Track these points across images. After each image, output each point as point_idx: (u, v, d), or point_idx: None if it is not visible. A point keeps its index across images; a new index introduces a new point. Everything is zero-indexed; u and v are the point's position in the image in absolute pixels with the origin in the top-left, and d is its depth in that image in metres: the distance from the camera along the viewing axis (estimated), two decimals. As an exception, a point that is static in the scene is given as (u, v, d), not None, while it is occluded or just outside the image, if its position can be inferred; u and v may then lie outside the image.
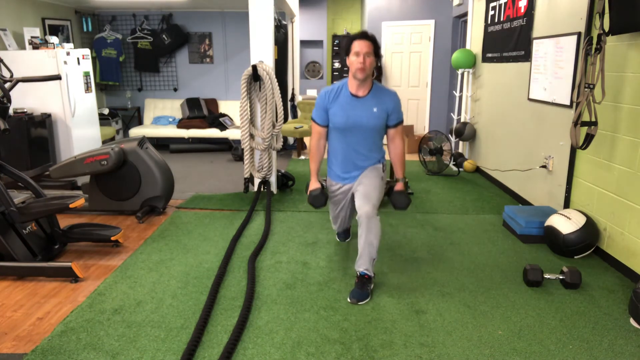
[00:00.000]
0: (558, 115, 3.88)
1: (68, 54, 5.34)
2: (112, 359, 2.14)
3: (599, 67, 2.96)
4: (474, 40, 5.93)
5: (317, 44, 9.59)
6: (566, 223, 3.26)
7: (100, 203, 4.08)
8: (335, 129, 2.89)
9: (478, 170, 5.82)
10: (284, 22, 5.35)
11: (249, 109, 4.52)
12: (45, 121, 5.19)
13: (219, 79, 7.43)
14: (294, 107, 7.53)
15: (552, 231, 3.34)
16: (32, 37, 5.33)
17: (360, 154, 2.90)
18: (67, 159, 3.95)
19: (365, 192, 2.78)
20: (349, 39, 2.71)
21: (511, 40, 4.79)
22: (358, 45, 2.65)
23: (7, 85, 3.25)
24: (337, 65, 9.82)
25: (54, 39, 5.32)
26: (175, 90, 7.49)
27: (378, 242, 2.72)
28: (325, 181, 3.18)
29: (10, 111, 4.72)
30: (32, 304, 2.64)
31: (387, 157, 2.91)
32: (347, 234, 3.58)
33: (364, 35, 2.67)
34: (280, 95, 4.47)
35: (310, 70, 9.75)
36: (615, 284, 2.91)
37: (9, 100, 3.21)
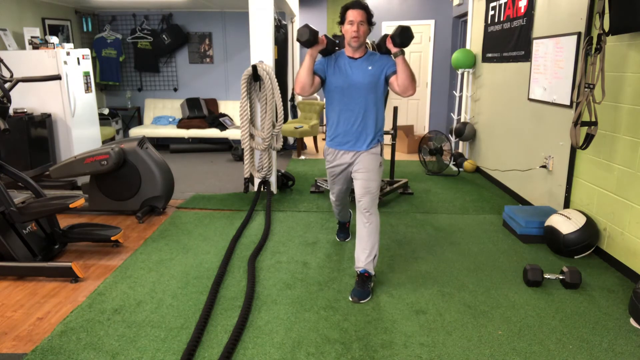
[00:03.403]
0: (558, 115, 3.88)
1: (68, 54, 5.34)
2: (112, 359, 2.14)
3: (599, 67, 2.96)
4: (474, 40, 5.93)
5: (317, 44, 9.59)
6: (566, 223, 3.26)
7: (100, 203, 4.08)
8: (334, 91, 2.87)
9: (478, 170, 5.82)
10: (284, 22, 5.35)
11: (249, 109, 4.52)
12: (45, 121, 5.19)
13: (219, 79, 7.43)
14: (294, 107, 7.53)
15: (552, 231, 3.34)
16: (32, 37, 5.33)
17: (358, 116, 2.84)
18: (67, 159, 3.95)
19: (364, 184, 2.78)
20: (344, 7, 2.77)
21: (511, 40, 4.79)
22: (352, 14, 2.71)
23: (7, 85, 3.25)
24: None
25: (54, 39, 5.32)
26: (175, 90, 7.49)
27: (377, 240, 2.74)
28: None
29: (10, 111, 4.74)
30: (32, 304, 2.64)
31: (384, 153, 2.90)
32: (347, 233, 3.58)
33: (356, 4, 2.73)
34: (280, 95, 4.47)
35: (310, 70, 9.73)
36: (615, 284, 2.91)
37: (9, 100, 3.21)
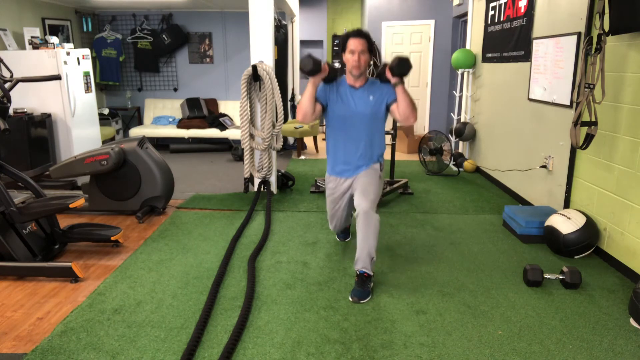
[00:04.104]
0: (558, 115, 3.88)
1: (68, 54, 5.34)
2: (112, 359, 2.14)
3: (599, 67, 2.96)
4: (474, 40, 5.93)
5: (317, 44, 9.59)
6: (566, 223, 3.26)
7: (100, 203, 4.08)
8: (335, 119, 2.91)
9: (478, 170, 5.82)
10: (284, 22, 5.35)
11: (249, 109, 4.52)
12: (45, 121, 5.19)
13: (219, 79, 7.43)
14: (294, 107, 7.53)
15: (552, 231, 3.34)
16: (32, 37, 5.33)
17: (360, 145, 2.89)
18: (67, 159, 3.95)
19: (363, 190, 2.80)
20: (345, 36, 2.81)
21: (511, 40, 4.79)
22: (353, 44, 2.75)
23: (7, 85, 3.25)
24: (337, 65, 9.82)
25: (54, 39, 5.32)
26: (175, 90, 7.49)
27: (376, 240, 2.73)
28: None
29: (10, 111, 4.74)
30: (32, 304, 2.64)
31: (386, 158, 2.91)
32: (347, 234, 3.58)
33: (358, 34, 2.77)
34: (280, 95, 4.47)
35: (310, 70, 9.73)
36: (615, 284, 2.91)
37: (9, 100, 3.21)
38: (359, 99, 2.86)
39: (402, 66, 2.69)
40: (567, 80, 3.72)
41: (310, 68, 2.72)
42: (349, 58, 2.77)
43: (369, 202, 2.72)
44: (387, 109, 2.88)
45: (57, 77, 3.58)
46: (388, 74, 2.75)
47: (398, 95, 2.76)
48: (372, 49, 2.83)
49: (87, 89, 5.73)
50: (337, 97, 2.88)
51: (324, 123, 3.01)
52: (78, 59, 5.55)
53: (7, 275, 2.94)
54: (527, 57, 4.46)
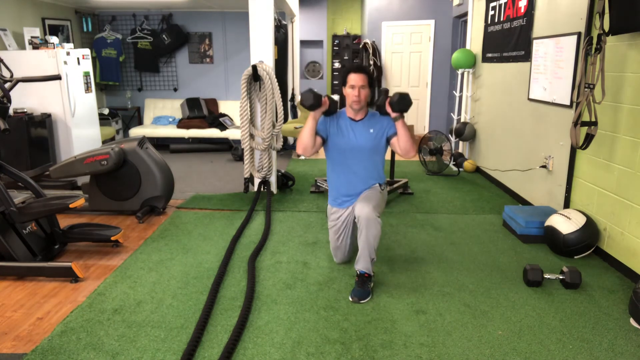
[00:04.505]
0: (558, 115, 3.88)
1: (68, 54, 5.34)
2: (112, 359, 2.14)
3: (599, 67, 2.96)
4: (474, 40, 5.93)
5: (317, 44, 9.59)
6: (566, 223, 3.26)
7: (100, 203, 4.08)
8: (335, 152, 2.96)
9: (478, 170, 5.82)
10: (284, 22, 5.35)
11: (249, 109, 4.52)
12: (45, 121, 5.19)
13: (219, 79, 7.43)
14: (294, 107, 7.53)
15: (552, 231, 3.34)
16: (32, 37, 5.33)
17: (360, 177, 2.94)
18: (67, 159, 3.95)
19: (365, 197, 2.83)
20: (345, 71, 2.87)
21: (511, 40, 4.79)
22: (354, 79, 2.81)
23: (7, 85, 3.25)
24: (337, 65, 9.83)
25: (54, 39, 5.32)
26: (175, 90, 7.49)
27: (377, 242, 2.73)
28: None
29: (10, 111, 4.74)
30: (32, 304, 2.64)
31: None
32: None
33: (358, 69, 2.83)
34: (280, 95, 4.47)
35: (310, 70, 9.74)
36: (615, 284, 2.91)
37: (9, 100, 3.21)
38: (359, 132, 2.90)
39: (402, 103, 2.76)
40: (567, 80, 3.72)
41: (311, 103, 2.77)
42: (349, 92, 2.82)
43: (370, 207, 2.72)
44: (387, 142, 2.93)
45: (57, 77, 3.58)
46: (388, 109, 2.81)
47: (398, 130, 2.82)
48: (372, 82, 2.89)
49: (87, 89, 5.73)
50: (337, 130, 2.92)
51: (324, 151, 3.05)
52: (78, 59, 5.55)
53: (7, 275, 2.94)
54: (527, 57, 4.46)
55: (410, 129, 7.62)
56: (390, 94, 2.86)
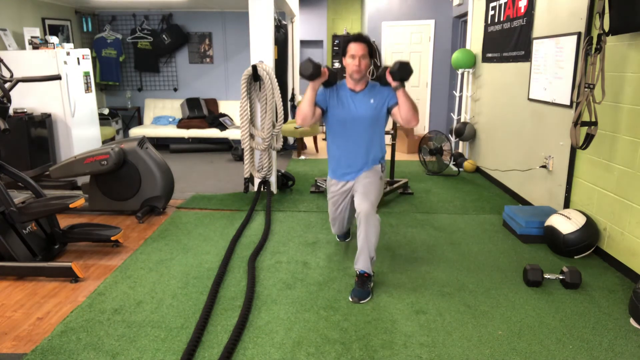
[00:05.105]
0: (558, 115, 3.88)
1: (68, 54, 5.34)
2: (112, 359, 2.14)
3: (599, 67, 2.96)
4: (474, 40, 5.93)
5: (317, 44, 9.60)
6: (566, 223, 3.26)
7: (100, 203, 4.08)
8: (335, 123, 2.91)
9: (478, 170, 5.82)
10: (284, 22, 5.35)
11: (249, 109, 4.52)
12: (45, 121, 5.19)
13: (219, 79, 7.43)
14: (294, 107, 7.53)
15: (552, 231, 3.34)
16: (32, 37, 5.33)
17: (361, 149, 2.90)
18: (67, 159, 3.95)
19: (364, 191, 2.80)
20: (345, 41, 2.80)
21: (511, 40, 4.79)
22: (354, 48, 2.75)
23: (7, 85, 3.25)
24: (337, 65, 9.82)
25: (54, 39, 5.32)
26: (175, 90, 7.48)
27: (377, 240, 2.74)
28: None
29: (10, 111, 4.73)
30: (32, 304, 2.64)
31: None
32: (347, 234, 3.58)
33: (358, 38, 2.77)
34: (280, 95, 4.47)
35: (310, 70, 9.73)
36: (615, 284, 2.91)
37: (9, 100, 3.21)
38: (360, 102, 2.86)
39: (403, 71, 2.70)
40: (567, 80, 3.72)
41: (310, 72, 2.72)
42: (350, 62, 2.77)
43: (369, 203, 2.72)
44: (388, 112, 2.88)
45: (57, 77, 3.58)
46: (389, 78, 2.75)
47: (399, 99, 2.76)
48: (372, 53, 2.83)
49: (87, 89, 5.73)
50: (337, 101, 2.88)
51: (324, 123, 3.02)
52: (78, 59, 5.55)
53: (7, 275, 2.94)
54: (527, 57, 4.46)
55: (410, 129, 7.61)
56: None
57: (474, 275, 3.02)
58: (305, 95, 2.79)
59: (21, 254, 3.02)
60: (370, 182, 2.85)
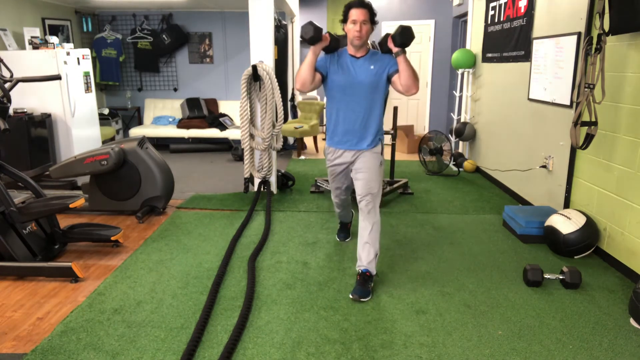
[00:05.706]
0: (558, 115, 3.88)
1: (68, 54, 5.34)
2: (112, 359, 2.14)
3: (599, 67, 2.96)
4: (474, 40, 5.93)
5: (317, 44, 9.59)
6: (566, 223, 3.26)
7: (100, 203, 4.08)
8: (335, 89, 2.86)
9: (478, 170, 5.82)
10: (284, 22, 5.35)
11: (249, 109, 4.52)
12: (45, 121, 5.19)
13: (219, 79, 7.43)
14: (294, 107, 7.53)
15: (552, 231, 3.34)
16: (32, 37, 5.33)
17: (359, 116, 2.84)
18: (67, 159, 3.95)
19: (364, 184, 2.79)
20: (347, 6, 2.75)
21: (511, 40, 4.79)
22: (355, 14, 2.69)
23: (7, 85, 3.25)
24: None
25: (54, 39, 5.32)
26: (175, 90, 7.48)
27: (378, 239, 2.75)
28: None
29: (10, 111, 4.73)
30: (32, 304, 2.64)
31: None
32: (347, 234, 3.59)
33: (360, 4, 2.71)
34: (280, 95, 4.47)
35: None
36: (615, 284, 2.91)
37: (9, 100, 3.21)
38: (360, 68, 2.80)
39: (404, 35, 2.65)
40: (567, 80, 3.72)
41: (311, 35, 2.66)
42: (351, 28, 2.71)
43: (371, 200, 2.72)
44: (388, 80, 2.82)
45: (57, 77, 3.58)
46: (390, 44, 2.71)
47: (400, 65, 2.72)
48: (373, 20, 2.78)
49: (87, 89, 5.73)
50: (337, 67, 2.83)
51: (324, 90, 2.97)
52: (78, 59, 5.55)
53: (7, 275, 2.94)
54: (527, 57, 4.46)
55: (410, 129, 7.60)
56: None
57: (474, 275, 3.02)
58: (305, 59, 2.74)
59: (21, 254, 3.02)
60: (370, 167, 2.81)
